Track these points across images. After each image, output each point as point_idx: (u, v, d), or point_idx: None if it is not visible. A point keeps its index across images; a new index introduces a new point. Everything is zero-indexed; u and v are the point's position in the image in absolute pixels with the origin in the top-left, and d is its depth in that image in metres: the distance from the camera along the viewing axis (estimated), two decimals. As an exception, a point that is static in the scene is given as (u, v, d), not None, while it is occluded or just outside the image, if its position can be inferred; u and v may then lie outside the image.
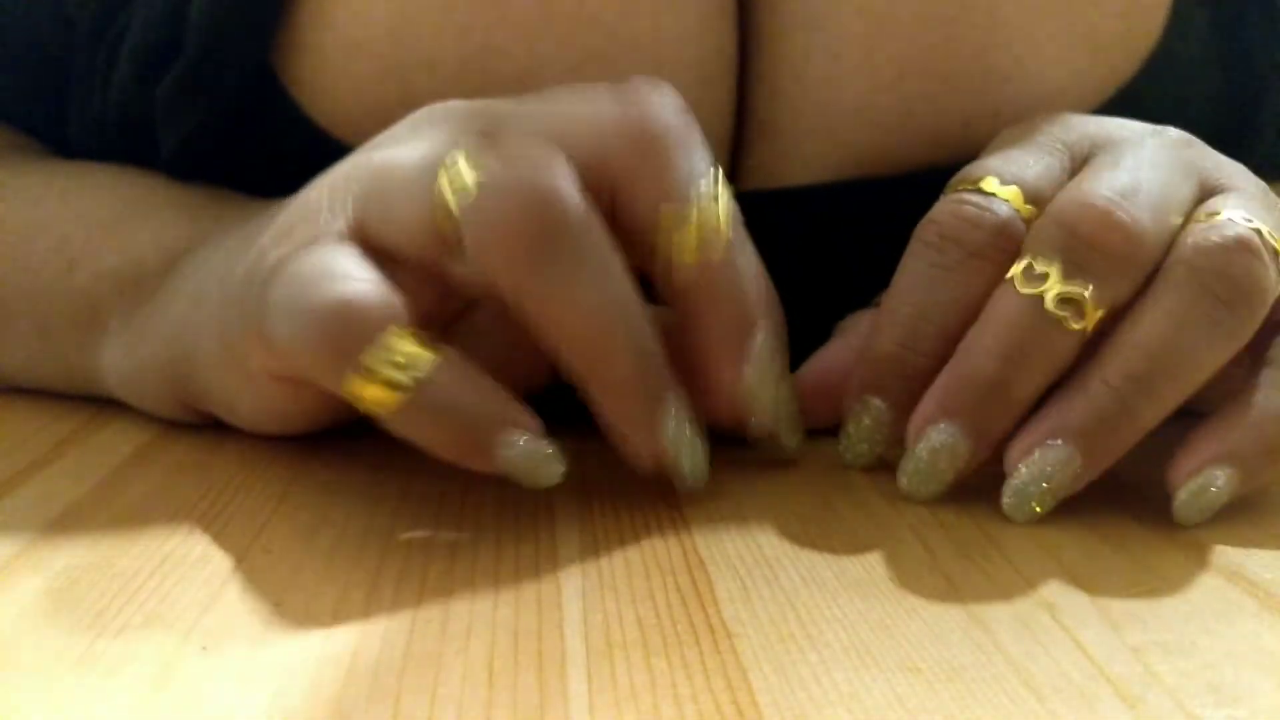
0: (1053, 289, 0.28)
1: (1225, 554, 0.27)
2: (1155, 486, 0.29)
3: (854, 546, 0.27)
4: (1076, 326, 0.28)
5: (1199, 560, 0.27)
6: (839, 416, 0.32)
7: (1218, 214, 0.29)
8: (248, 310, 0.29)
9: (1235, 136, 0.40)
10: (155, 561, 0.26)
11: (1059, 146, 0.32)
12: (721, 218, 0.28)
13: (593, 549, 0.27)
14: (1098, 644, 0.23)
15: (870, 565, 0.26)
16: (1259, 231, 0.29)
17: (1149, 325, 0.28)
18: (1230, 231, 0.29)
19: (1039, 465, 0.28)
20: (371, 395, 0.26)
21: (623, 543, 0.27)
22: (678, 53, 0.36)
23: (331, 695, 0.21)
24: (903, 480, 0.30)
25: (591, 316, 0.27)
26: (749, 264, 0.29)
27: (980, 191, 0.31)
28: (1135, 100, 0.37)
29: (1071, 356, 0.29)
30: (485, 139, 0.28)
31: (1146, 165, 0.30)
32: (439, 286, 0.28)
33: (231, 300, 0.30)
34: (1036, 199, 0.31)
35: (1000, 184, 0.31)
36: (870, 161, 0.37)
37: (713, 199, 0.28)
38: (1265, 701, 0.21)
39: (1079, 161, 0.32)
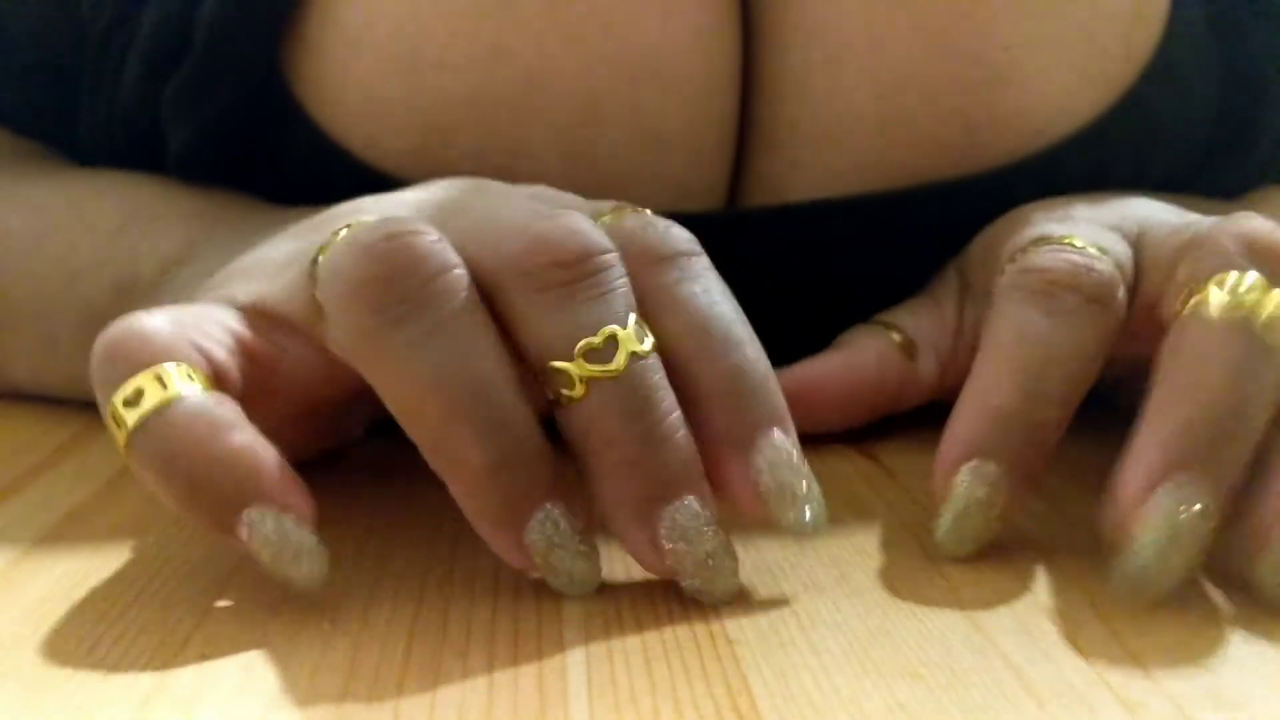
0: (1266, 302, 0.25)
1: (1223, 558, 0.27)
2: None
3: (854, 552, 0.27)
4: None
5: (1203, 569, 0.27)
6: (815, 427, 0.31)
7: None
8: None
9: (1232, 144, 0.40)
10: (155, 567, 0.26)
11: (1111, 223, 0.31)
12: (613, 370, 0.24)
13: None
14: (1099, 650, 0.23)
15: (870, 571, 0.26)
16: None
17: None
18: None
19: None
20: (121, 436, 0.24)
21: (622, 549, 0.27)
22: (683, 61, 0.36)
23: (330, 702, 0.21)
24: (1134, 565, 0.23)
25: (436, 392, 0.23)
26: (650, 416, 0.24)
27: (1073, 246, 0.29)
28: (1135, 108, 0.37)
29: None
30: (391, 218, 0.26)
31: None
32: (328, 357, 0.26)
33: None
34: (1119, 264, 0.29)
35: (1086, 243, 0.29)
36: (874, 172, 0.37)
37: (607, 348, 0.24)
38: (1264, 707, 0.21)
39: (1131, 238, 0.31)
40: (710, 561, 0.24)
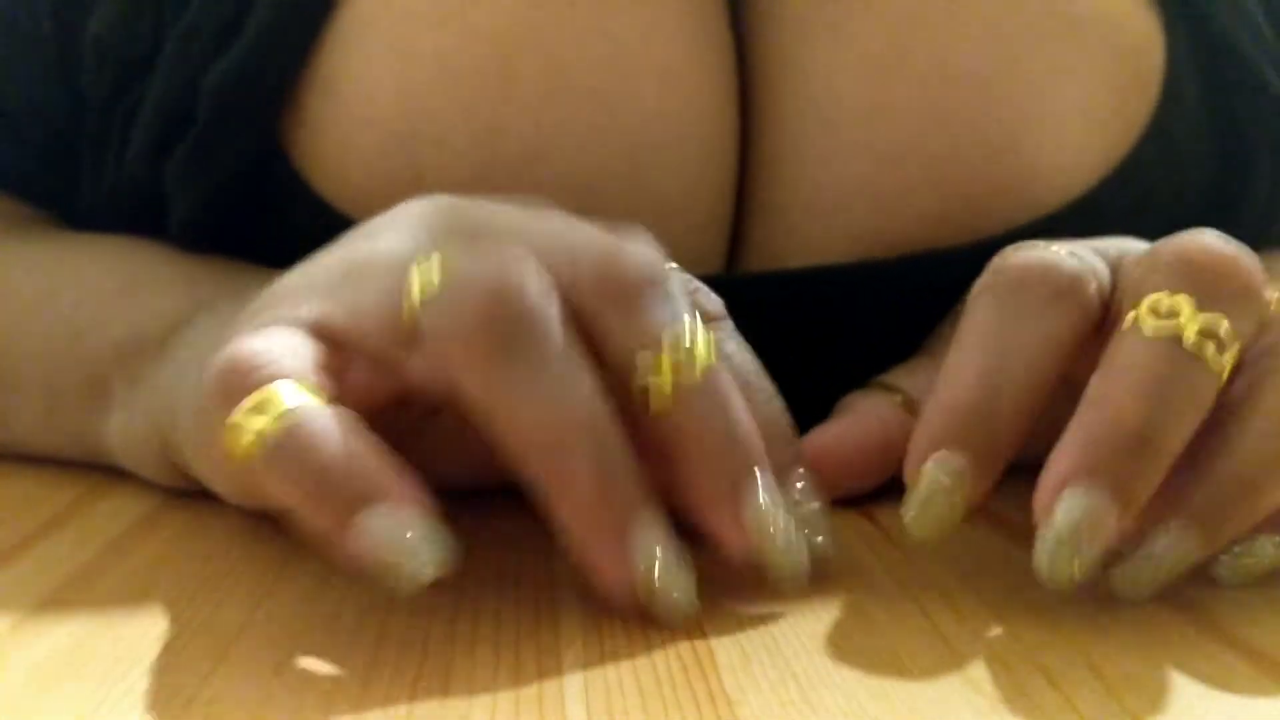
0: (1191, 323, 0.26)
1: (1223, 620, 0.27)
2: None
3: (853, 614, 0.27)
4: (1220, 363, 0.26)
5: (1196, 625, 0.27)
6: (828, 494, 0.31)
7: None
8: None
9: (1227, 204, 0.41)
10: (158, 629, 0.26)
11: (1093, 246, 0.31)
12: (699, 362, 0.26)
13: (594, 617, 0.27)
14: (1095, 710, 0.23)
15: (869, 632, 0.26)
16: None
17: (1274, 399, 0.27)
18: None
19: (1162, 554, 0.26)
20: (241, 447, 0.24)
21: (624, 613, 0.27)
22: (682, 131, 0.36)
23: (334, 762, 0.21)
24: (1040, 555, 0.25)
25: (550, 424, 0.25)
26: (735, 405, 0.27)
27: (1045, 248, 0.29)
28: (1133, 173, 0.38)
29: (1212, 401, 0.26)
30: (464, 240, 0.27)
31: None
32: (396, 384, 0.27)
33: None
34: (1094, 271, 0.29)
35: (1059, 248, 0.29)
36: (872, 241, 0.37)
37: (687, 346, 0.26)
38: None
39: (1109, 259, 0.30)
40: (793, 536, 0.26)
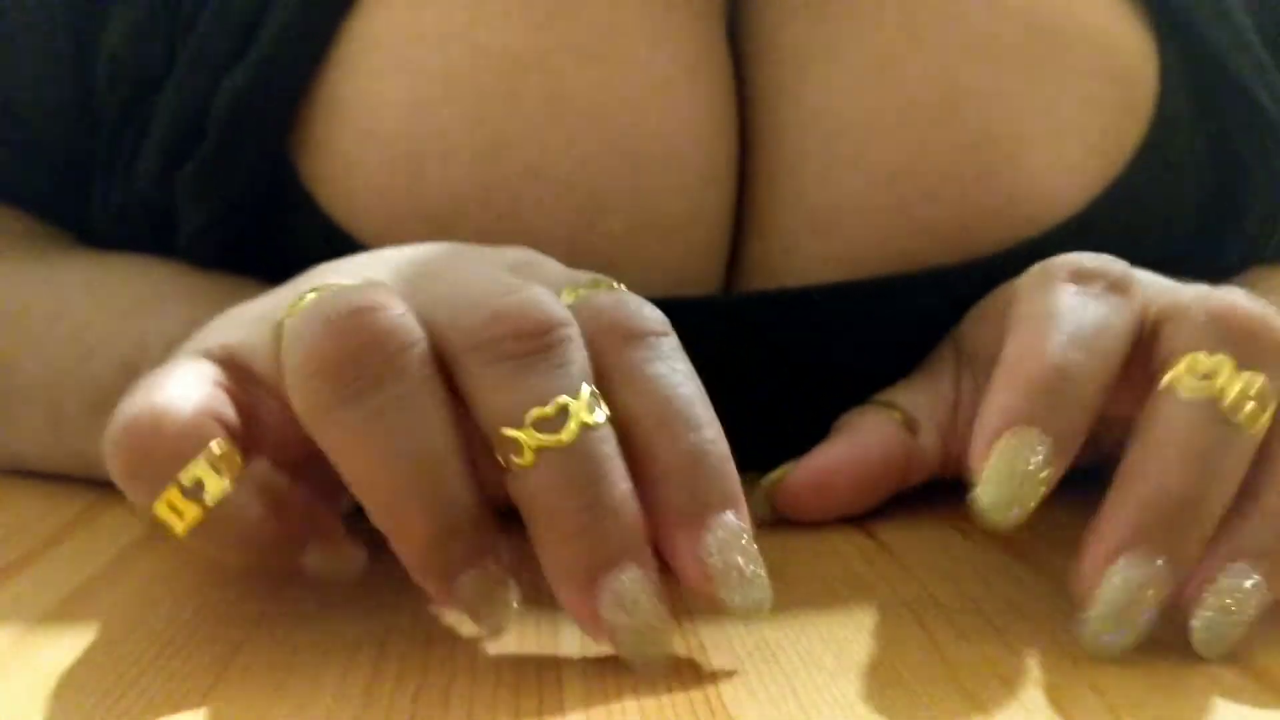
0: (1231, 385, 0.26)
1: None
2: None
3: (852, 629, 0.27)
4: (1260, 423, 0.26)
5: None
6: (831, 514, 0.32)
7: None
8: None
9: (1221, 224, 0.41)
10: (161, 644, 0.26)
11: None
12: (567, 435, 0.24)
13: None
14: (1095, 727, 0.23)
15: (869, 648, 0.26)
16: None
17: None
18: None
19: (1228, 594, 0.25)
20: (177, 530, 0.25)
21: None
22: (683, 150, 0.37)
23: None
24: (1091, 627, 0.25)
25: (389, 468, 0.24)
26: (607, 477, 0.24)
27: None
28: (1126, 193, 0.38)
29: (1251, 457, 0.26)
30: (359, 280, 0.27)
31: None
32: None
33: None
34: None
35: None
36: (867, 259, 0.38)
37: (554, 414, 0.24)
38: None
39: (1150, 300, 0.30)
40: (647, 633, 0.24)
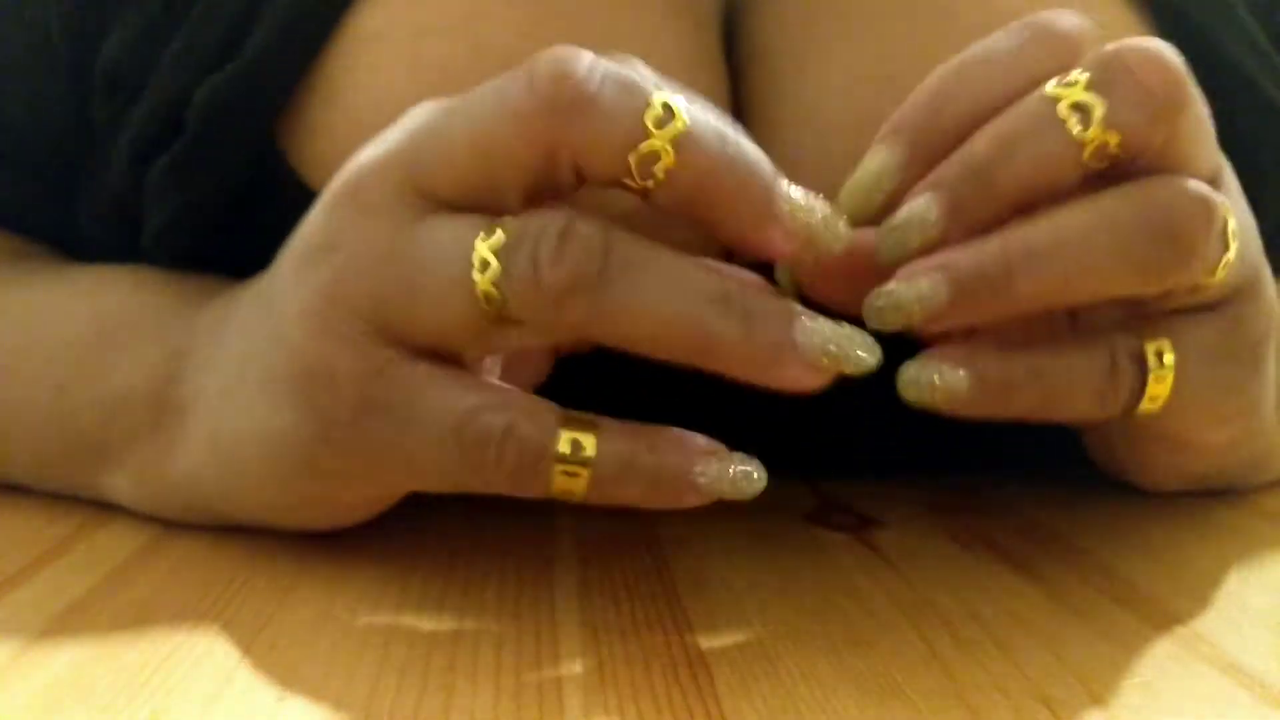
0: (1074, 94, 0.28)
1: (1221, 646, 0.27)
2: (1149, 579, 0.30)
3: (852, 640, 0.27)
4: (1075, 134, 0.28)
5: (1195, 653, 0.27)
6: (855, 301, 0.32)
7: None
8: (347, 446, 0.29)
9: None
10: (160, 656, 0.26)
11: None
12: (680, 116, 0.27)
13: (593, 643, 0.27)
14: (1095, 737, 0.23)
15: (868, 658, 0.26)
16: (1226, 219, 0.29)
17: (1082, 215, 0.28)
18: (1207, 194, 0.29)
19: (910, 288, 0.28)
20: (560, 489, 0.27)
21: (623, 637, 0.27)
22: None
23: (335, 789, 0.21)
24: (880, 246, 0.29)
25: (675, 321, 0.26)
26: (727, 134, 0.27)
27: None
28: None
29: (1063, 174, 0.28)
30: (498, 226, 0.27)
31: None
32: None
33: (276, 431, 0.30)
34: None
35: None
36: None
37: (661, 120, 0.27)
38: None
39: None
40: (829, 222, 0.28)
